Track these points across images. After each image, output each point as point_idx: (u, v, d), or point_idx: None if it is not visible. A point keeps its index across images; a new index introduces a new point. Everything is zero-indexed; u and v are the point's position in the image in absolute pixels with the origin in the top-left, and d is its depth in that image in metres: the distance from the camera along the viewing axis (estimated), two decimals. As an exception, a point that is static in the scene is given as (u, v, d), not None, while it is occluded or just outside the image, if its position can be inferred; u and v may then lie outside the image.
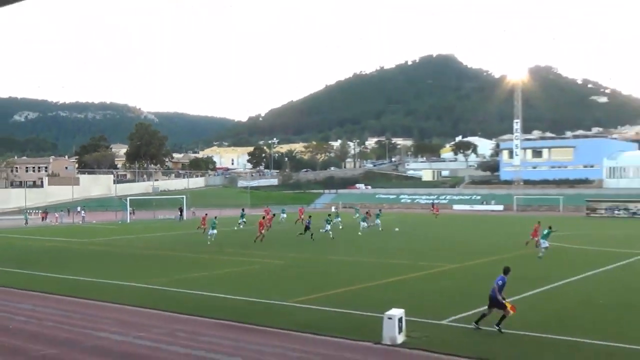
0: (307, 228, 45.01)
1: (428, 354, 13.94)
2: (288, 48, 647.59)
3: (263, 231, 43.06)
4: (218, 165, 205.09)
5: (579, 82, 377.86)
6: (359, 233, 50.22)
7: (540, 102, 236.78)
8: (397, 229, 54.38)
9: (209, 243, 41.39)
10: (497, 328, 15.77)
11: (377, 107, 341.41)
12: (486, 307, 16.30)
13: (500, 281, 16.06)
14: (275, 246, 39.66)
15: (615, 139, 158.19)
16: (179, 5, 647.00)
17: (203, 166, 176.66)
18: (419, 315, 17.25)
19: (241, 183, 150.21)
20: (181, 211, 78.59)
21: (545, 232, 33.42)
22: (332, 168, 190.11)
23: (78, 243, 45.72)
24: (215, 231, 42.97)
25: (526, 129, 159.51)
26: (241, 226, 57.74)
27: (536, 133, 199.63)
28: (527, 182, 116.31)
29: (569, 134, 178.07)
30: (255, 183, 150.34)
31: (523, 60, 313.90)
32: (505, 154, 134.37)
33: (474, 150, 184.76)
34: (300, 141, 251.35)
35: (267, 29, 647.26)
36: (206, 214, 55.90)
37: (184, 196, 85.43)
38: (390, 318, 14.76)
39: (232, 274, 28.26)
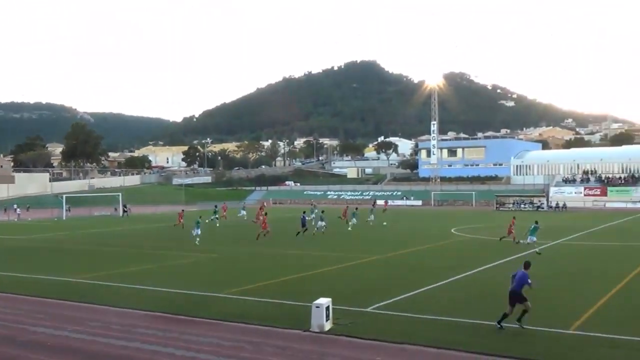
0: (303, 224, 42.32)
1: (352, 339, 14.08)
2: (221, 51, 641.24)
3: (269, 228, 40.32)
4: (153, 164, 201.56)
5: (489, 87, 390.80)
6: (349, 229, 47.85)
7: (455, 105, 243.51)
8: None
9: (197, 243, 37.04)
10: (499, 325, 14.96)
11: (306, 109, 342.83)
12: (514, 305, 15.05)
13: (524, 277, 15.24)
14: (215, 241, 39.01)
15: (521, 139, 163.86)
16: (114, 4, 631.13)
17: (139, 164, 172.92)
18: (345, 304, 17.42)
19: (176, 180, 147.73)
20: (125, 208, 76.58)
21: (532, 227, 32.67)
22: (263, 166, 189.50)
23: (13, 240, 43.80)
24: (199, 231, 38.62)
25: (442, 130, 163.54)
26: (217, 223, 54.38)
27: (451, 134, 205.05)
28: (443, 179, 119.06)
29: (480, 135, 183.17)
30: (189, 181, 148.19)
31: (439, 67, 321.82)
32: (423, 153, 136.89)
33: (395, 150, 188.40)
34: (232, 141, 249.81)
35: (200, 34, 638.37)
36: (182, 210, 53.43)
37: (120, 193, 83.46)
38: (318, 307, 14.83)
39: (167, 268, 27.68)
